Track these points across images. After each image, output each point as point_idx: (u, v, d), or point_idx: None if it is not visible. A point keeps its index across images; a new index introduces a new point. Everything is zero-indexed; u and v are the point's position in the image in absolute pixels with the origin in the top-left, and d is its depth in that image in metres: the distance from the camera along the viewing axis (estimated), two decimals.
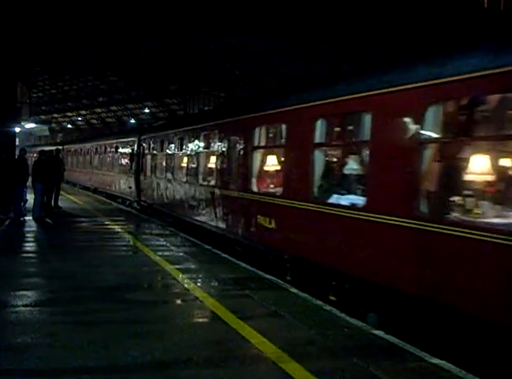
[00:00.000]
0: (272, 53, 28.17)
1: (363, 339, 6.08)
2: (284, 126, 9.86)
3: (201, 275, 9.21)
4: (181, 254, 11.29)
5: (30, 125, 40.97)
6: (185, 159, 15.51)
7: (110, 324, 6.39)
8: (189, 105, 51.45)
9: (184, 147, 15.49)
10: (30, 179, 16.92)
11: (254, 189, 10.72)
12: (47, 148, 35.10)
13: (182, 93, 51.39)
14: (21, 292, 7.77)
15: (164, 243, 12.76)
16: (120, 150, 24.88)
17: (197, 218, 13.89)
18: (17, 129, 22.53)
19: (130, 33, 29.30)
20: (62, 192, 21.74)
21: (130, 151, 22.72)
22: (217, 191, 12.52)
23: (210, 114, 18.42)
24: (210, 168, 13.52)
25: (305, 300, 7.77)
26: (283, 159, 9.95)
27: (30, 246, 12.51)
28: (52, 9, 17.30)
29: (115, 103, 64.36)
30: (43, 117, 66.74)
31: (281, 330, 6.28)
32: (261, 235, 10.17)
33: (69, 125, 79.79)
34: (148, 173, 19.60)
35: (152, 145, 19.56)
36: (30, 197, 17.46)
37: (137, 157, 21.41)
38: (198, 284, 8.50)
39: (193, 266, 10.12)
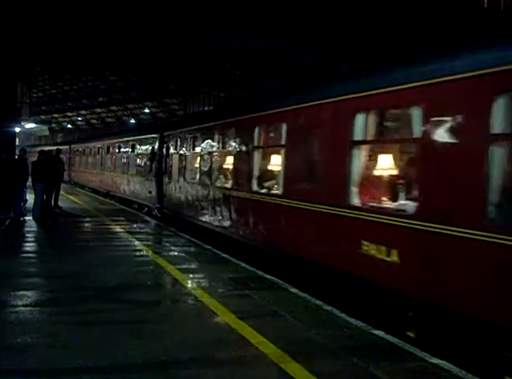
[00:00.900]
0: (272, 53, 28.18)
1: (363, 339, 6.08)
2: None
3: (201, 275, 9.20)
4: (181, 254, 11.29)
5: (30, 125, 40.87)
6: (232, 160, 12.04)
7: (110, 324, 6.39)
8: (189, 105, 51.46)
9: (231, 143, 12.23)
10: (30, 179, 16.92)
11: (358, 201, 7.67)
12: (46, 148, 35.06)
13: (182, 93, 51.41)
14: (21, 292, 7.77)
15: (164, 243, 12.76)
16: (137, 149, 22.03)
17: (256, 237, 10.69)
18: (17, 129, 22.55)
19: (130, 33, 29.31)
20: (62, 192, 21.71)
21: (150, 150, 19.89)
22: (299, 206, 9.02)
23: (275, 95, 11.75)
24: (281, 171, 9.98)
25: (305, 300, 7.77)
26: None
27: (30, 246, 12.50)
28: (52, 10, 17.31)
29: (115, 103, 64.39)
30: (43, 117, 66.73)
31: (281, 330, 6.28)
32: (377, 269, 7.12)
33: (69, 125, 79.81)
34: (175, 176, 16.68)
35: (179, 143, 16.50)
36: (30, 197, 17.45)
37: (158, 157, 18.57)
38: (198, 284, 8.49)
39: (193, 266, 10.12)
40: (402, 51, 16.22)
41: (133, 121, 63.06)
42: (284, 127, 9.78)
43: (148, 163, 20.06)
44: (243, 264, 10.26)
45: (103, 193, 28.25)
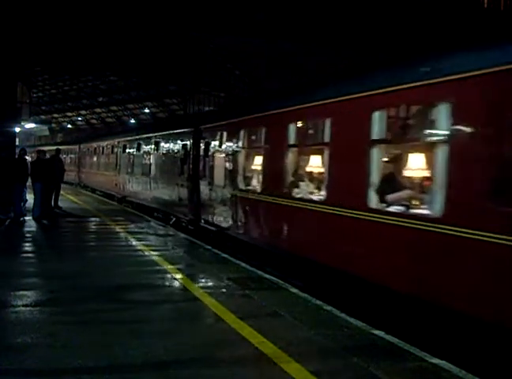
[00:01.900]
0: (272, 53, 28.18)
1: (363, 339, 6.08)
2: None
3: (201, 275, 9.21)
4: (181, 254, 11.30)
5: (30, 125, 40.81)
6: (329, 160, 8.59)
7: (110, 324, 6.39)
8: (189, 105, 51.43)
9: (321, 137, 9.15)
10: (30, 179, 16.93)
11: None
12: (46, 148, 34.92)
13: (182, 93, 51.37)
14: (21, 292, 7.77)
15: (164, 243, 12.76)
16: (163, 147, 18.72)
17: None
18: (17, 129, 22.53)
19: (130, 33, 29.30)
20: (62, 192, 21.71)
21: (181, 148, 16.53)
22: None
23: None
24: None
25: (305, 300, 7.76)
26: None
27: (30, 246, 12.50)
28: (52, 9, 17.29)
29: (115, 103, 64.35)
30: (43, 117, 66.75)
31: (281, 330, 6.28)
32: None
33: (69, 125, 79.82)
34: (219, 181, 13.02)
35: (226, 138, 12.91)
36: (30, 197, 17.46)
37: (193, 157, 15.14)
38: (198, 284, 8.49)
39: (193, 266, 10.12)
40: (402, 51, 16.21)
41: (133, 121, 63.03)
42: None
43: (178, 164, 16.55)
44: (243, 264, 10.27)
45: (118, 197, 24.85)
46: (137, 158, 22.04)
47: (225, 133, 13.04)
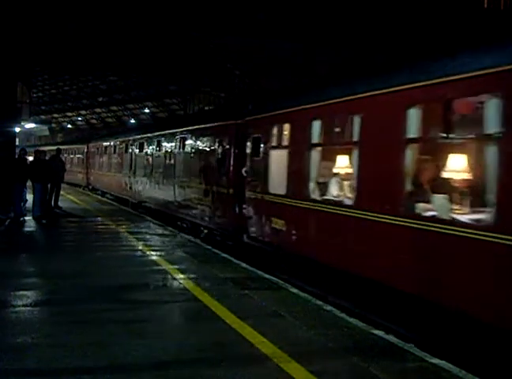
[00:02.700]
0: (272, 53, 28.18)
1: (363, 339, 6.08)
2: None
3: (201, 275, 9.20)
4: (181, 254, 11.29)
5: (30, 125, 40.56)
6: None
7: (110, 324, 6.39)
8: (189, 105, 51.44)
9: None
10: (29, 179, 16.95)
11: None
12: (48, 148, 34.75)
13: (182, 93, 51.39)
14: (21, 292, 7.77)
15: (164, 243, 12.76)
16: (191, 145, 15.52)
17: None
18: (17, 129, 22.52)
19: (131, 33, 29.31)
20: (62, 192, 21.71)
21: (218, 146, 13.42)
22: None
23: None
24: None
25: (305, 300, 7.77)
26: None
27: (30, 246, 12.49)
28: (52, 9, 17.30)
29: (115, 103, 64.38)
30: (43, 117, 66.76)
31: (281, 330, 6.28)
32: None
33: (69, 125, 79.85)
34: (277, 187, 10.28)
35: (288, 132, 10.16)
36: (30, 197, 17.47)
37: (236, 157, 12.35)
38: (198, 284, 8.49)
39: (193, 266, 10.12)
40: (402, 51, 16.21)
41: (133, 121, 63.05)
42: None
43: (212, 165, 13.62)
44: (243, 264, 10.28)
45: (133, 203, 21.95)
46: (157, 158, 18.87)
47: (287, 126, 10.13)
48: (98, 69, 45.67)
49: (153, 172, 19.20)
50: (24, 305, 7.11)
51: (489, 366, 5.62)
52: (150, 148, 19.92)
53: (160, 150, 18.68)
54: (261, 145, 11.05)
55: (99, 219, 17.57)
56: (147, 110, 61.58)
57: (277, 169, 10.31)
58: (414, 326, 6.91)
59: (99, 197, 28.08)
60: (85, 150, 33.56)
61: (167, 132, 18.34)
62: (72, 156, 37.60)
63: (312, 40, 20.70)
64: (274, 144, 10.61)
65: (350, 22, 18.60)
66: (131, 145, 22.68)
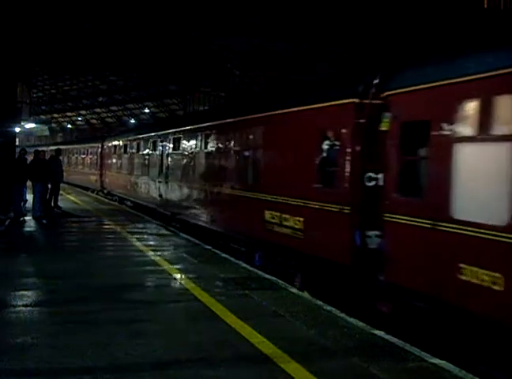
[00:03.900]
0: (272, 52, 28.18)
1: (363, 339, 6.08)
2: None
3: (201, 275, 9.20)
4: (181, 254, 11.30)
5: (30, 125, 40.54)
6: None
7: (110, 324, 6.39)
8: (189, 105, 51.44)
9: None
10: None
11: None
12: (46, 148, 34.54)
13: (182, 93, 51.38)
14: (21, 292, 7.78)
15: (164, 243, 12.76)
16: (266, 139, 10.87)
17: None
18: (17, 129, 22.53)
19: (130, 33, 29.32)
20: (62, 192, 21.71)
21: (321, 143, 8.97)
22: None
23: None
24: None
25: (305, 300, 7.78)
26: None
27: (30, 246, 12.48)
28: (52, 9, 17.30)
29: (115, 103, 64.38)
30: (43, 117, 66.76)
31: (281, 330, 6.28)
32: None
33: (69, 125, 79.89)
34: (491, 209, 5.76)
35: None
36: (30, 197, 17.48)
37: (357, 158, 8.13)
38: (198, 284, 8.48)
39: (193, 266, 10.12)
40: (402, 51, 16.21)
41: (133, 121, 63.07)
42: None
43: (311, 170, 9.08)
44: (243, 264, 10.28)
45: (162, 214, 17.65)
46: (208, 158, 13.77)
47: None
48: (98, 69, 45.67)
49: (201, 177, 14.26)
50: (24, 305, 7.11)
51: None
52: (193, 144, 14.93)
53: (210, 147, 13.61)
54: (432, 136, 6.63)
55: (99, 219, 17.57)
56: (147, 110, 61.58)
57: (482, 177, 5.94)
58: None
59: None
60: (99, 149, 29.66)
61: (224, 122, 13.02)
62: (83, 156, 34.10)
63: (310, 40, 20.71)
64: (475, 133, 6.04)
65: (352, 22, 18.60)
66: (162, 142, 18.08)
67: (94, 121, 76.53)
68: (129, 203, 23.26)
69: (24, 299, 7.43)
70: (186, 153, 15.55)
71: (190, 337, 6.00)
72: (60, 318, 6.61)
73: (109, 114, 71.24)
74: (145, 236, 13.86)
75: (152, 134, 19.64)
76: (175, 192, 16.56)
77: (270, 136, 10.70)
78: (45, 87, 60.86)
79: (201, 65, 38.25)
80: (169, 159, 17.23)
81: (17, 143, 24.21)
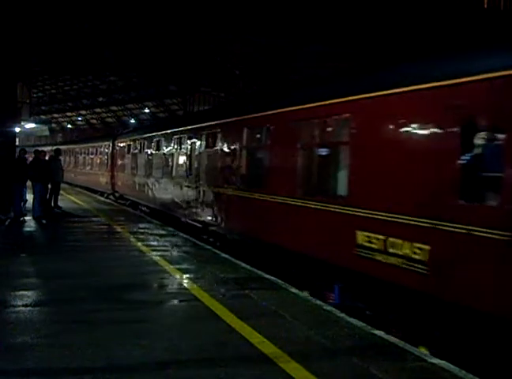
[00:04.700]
0: (272, 52, 28.19)
1: (363, 339, 6.08)
2: None
3: (201, 275, 9.20)
4: (181, 254, 11.30)
5: (30, 125, 40.50)
6: None
7: (110, 324, 6.39)
8: (189, 105, 51.44)
9: None
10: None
11: None
12: (46, 148, 34.34)
13: (182, 93, 51.39)
14: (21, 292, 7.77)
15: (164, 243, 12.75)
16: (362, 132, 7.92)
17: None
18: (17, 129, 22.52)
19: (130, 33, 29.31)
20: (62, 192, 21.70)
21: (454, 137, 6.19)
22: None
23: None
24: None
25: (305, 300, 7.78)
26: None
27: (30, 246, 12.48)
28: (52, 9, 17.29)
29: (115, 103, 64.37)
30: (43, 117, 66.77)
31: (281, 330, 6.27)
32: None
33: (69, 125, 79.92)
34: None
35: None
36: (30, 197, 17.48)
37: None
38: (198, 284, 8.49)
39: (193, 266, 10.12)
40: (401, 50, 16.20)
41: (133, 121, 63.06)
42: None
43: (434, 176, 6.49)
44: (243, 264, 10.27)
45: (194, 225, 14.64)
46: (269, 158, 10.68)
47: None
48: (98, 69, 45.67)
49: (247, 181, 11.66)
50: (24, 305, 7.11)
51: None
52: (240, 140, 11.92)
53: (272, 143, 10.54)
54: None
55: (99, 219, 17.57)
56: (147, 110, 61.58)
57: None
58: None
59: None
60: (109, 148, 27.22)
61: (295, 108, 9.72)
62: (92, 157, 31.57)
63: (310, 40, 20.71)
64: None
65: (353, 22, 18.61)
66: (190, 138, 15.28)
67: (94, 121, 76.53)
68: (144, 208, 20.85)
69: (24, 299, 7.42)
70: (229, 151, 12.46)
71: (190, 337, 6.00)
72: (60, 318, 6.61)
73: (109, 114, 71.23)
74: (145, 236, 13.85)
75: (177, 130, 16.97)
76: (209, 199, 13.68)
77: (366, 127, 7.82)
78: (45, 87, 60.84)
79: (201, 65, 38.25)
80: (201, 158, 14.33)
81: (17, 143, 24.16)
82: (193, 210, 14.71)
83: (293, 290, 8.32)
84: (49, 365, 5.08)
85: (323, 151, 9.06)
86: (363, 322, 6.71)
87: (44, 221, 16.34)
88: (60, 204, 20.06)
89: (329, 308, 7.33)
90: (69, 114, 76.24)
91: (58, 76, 53.73)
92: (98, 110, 70.93)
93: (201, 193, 14.21)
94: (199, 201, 14.34)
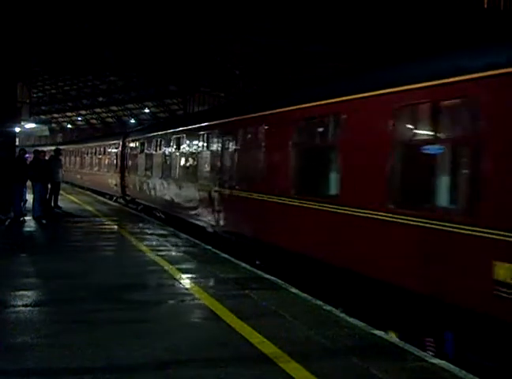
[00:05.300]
0: (272, 52, 28.19)
1: (363, 339, 6.08)
2: None
3: (201, 275, 9.20)
4: (181, 254, 11.29)
5: (30, 125, 40.47)
6: None
7: (110, 324, 6.39)
8: (189, 105, 51.46)
9: None
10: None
11: None
12: (46, 148, 34.28)
13: (182, 93, 51.40)
14: (21, 292, 7.77)
15: (164, 243, 12.75)
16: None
17: None
18: (17, 129, 22.51)
19: (130, 33, 29.32)
20: (62, 191, 21.70)
21: None
22: None
23: None
24: None
25: (305, 300, 7.77)
26: None
27: (30, 246, 12.48)
28: (52, 9, 17.31)
29: (115, 103, 64.42)
30: (43, 117, 66.77)
31: (281, 330, 6.27)
32: None
33: (69, 125, 79.95)
34: None
35: None
36: (30, 197, 17.48)
37: None
38: (198, 284, 8.49)
39: (193, 266, 10.11)
40: (402, 50, 16.20)
41: (133, 121, 63.08)
42: None
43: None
44: (243, 264, 10.27)
45: (224, 237, 12.58)
46: (329, 157, 8.78)
47: None
48: (98, 69, 45.68)
49: (299, 185, 9.44)
50: (24, 305, 7.11)
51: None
52: (282, 137, 9.85)
53: (331, 139, 8.75)
54: None
55: (99, 219, 17.57)
56: (147, 110, 61.60)
57: None
58: None
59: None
60: (119, 147, 25.25)
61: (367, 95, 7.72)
62: (100, 157, 29.56)
63: (310, 40, 20.72)
64: None
65: (353, 22, 18.62)
66: (217, 137, 13.14)
67: (94, 121, 76.56)
68: (159, 213, 18.97)
69: (24, 299, 7.42)
70: (267, 150, 10.44)
71: (189, 337, 6.00)
72: (60, 318, 6.61)
73: (109, 114, 71.28)
74: (145, 236, 13.85)
75: (199, 126, 14.57)
76: (243, 207, 11.36)
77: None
78: (45, 87, 60.91)
79: (201, 65, 38.25)
80: (231, 159, 12.28)
81: (17, 143, 24.15)
82: (221, 220, 12.56)
83: (293, 290, 8.32)
84: (49, 365, 5.08)
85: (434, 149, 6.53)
86: (363, 322, 6.71)
87: (44, 221, 16.33)
88: (60, 203, 20.07)
89: (329, 308, 7.33)
90: (69, 114, 76.30)
91: (58, 76, 53.78)
92: (98, 110, 70.98)
93: (235, 199, 11.63)
94: (229, 209, 11.99)
